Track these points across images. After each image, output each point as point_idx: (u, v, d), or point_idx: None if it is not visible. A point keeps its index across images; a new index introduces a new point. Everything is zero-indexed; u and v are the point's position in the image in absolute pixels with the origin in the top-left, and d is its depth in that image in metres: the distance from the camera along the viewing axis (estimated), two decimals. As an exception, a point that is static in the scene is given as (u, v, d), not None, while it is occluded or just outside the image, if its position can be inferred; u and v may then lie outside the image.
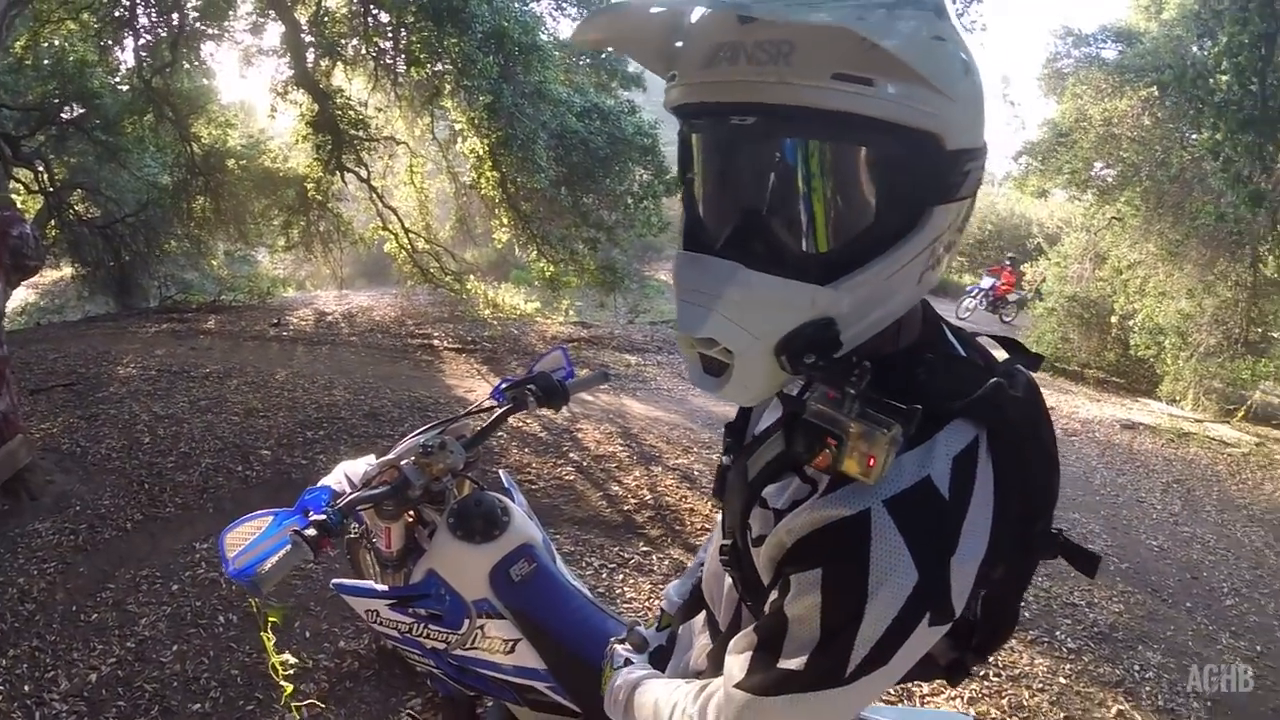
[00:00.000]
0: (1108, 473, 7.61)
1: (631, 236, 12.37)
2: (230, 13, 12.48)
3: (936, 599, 0.90)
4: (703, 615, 1.46)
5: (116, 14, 11.95)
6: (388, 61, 11.84)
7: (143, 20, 12.09)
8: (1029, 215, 24.47)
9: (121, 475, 5.27)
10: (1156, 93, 11.61)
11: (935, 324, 1.11)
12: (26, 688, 3.36)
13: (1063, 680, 3.89)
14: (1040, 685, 3.82)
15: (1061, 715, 3.64)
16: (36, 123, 12.37)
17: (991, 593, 1.09)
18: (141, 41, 12.19)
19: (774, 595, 0.99)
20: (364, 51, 11.87)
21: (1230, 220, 9.63)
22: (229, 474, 5.39)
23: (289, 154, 13.78)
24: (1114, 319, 13.00)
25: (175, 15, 12.01)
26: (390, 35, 11.53)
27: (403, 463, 2.03)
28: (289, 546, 1.69)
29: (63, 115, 12.68)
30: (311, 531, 1.72)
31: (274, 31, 12.53)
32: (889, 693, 3.53)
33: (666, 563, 4.61)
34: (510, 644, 2.03)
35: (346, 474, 2.37)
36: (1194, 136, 11.11)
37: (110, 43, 12.41)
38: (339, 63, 11.93)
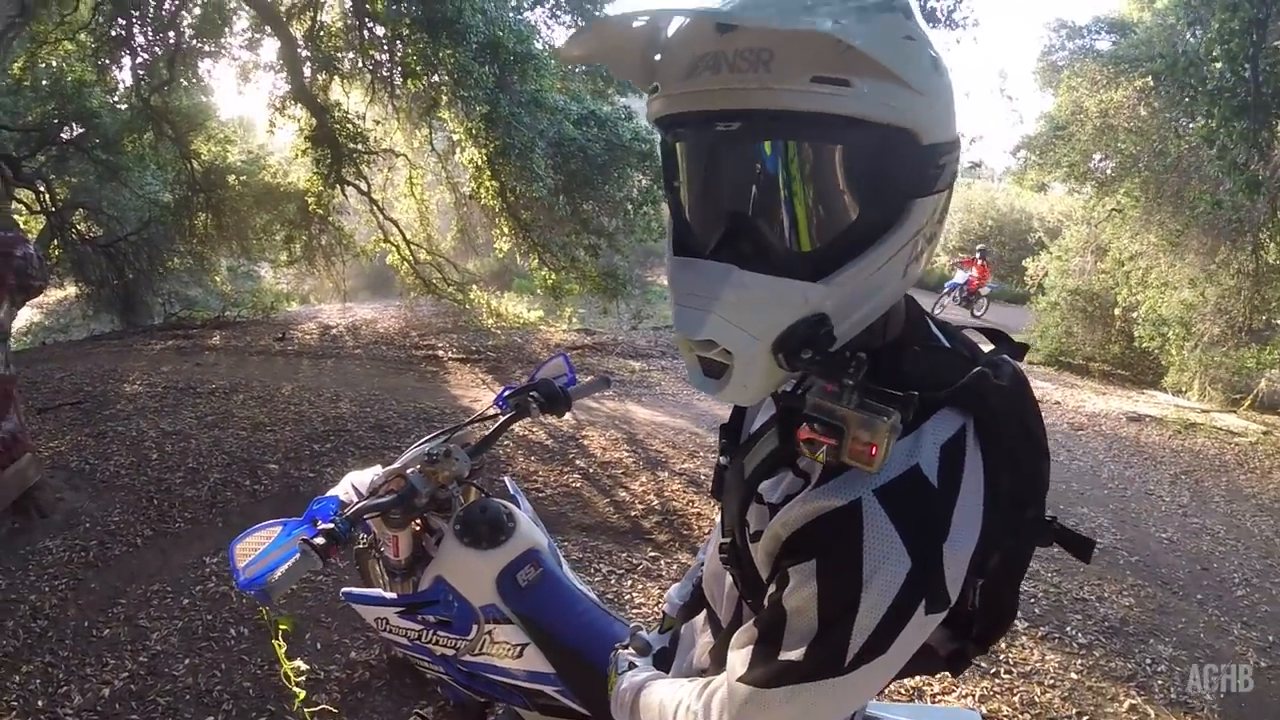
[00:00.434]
0: (1115, 466, 7.59)
1: (632, 242, 12.38)
2: (226, 30, 12.58)
3: (931, 586, 0.92)
4: (704, 615, 1.48)
5: (113, 34, 12.00)
6: (384, 74, 11.88)
7: (139, 39, 12.16)
8: (1029, 210, 24.41)
9: (130, 491, 5.30)
10: (1151, 82, 11.58)
11: (919, 318, 1.13)
12: (40, 703, 3.39)
13: (1074, 676, 3.88)
14: (1051, 681, 3.81)
15: (1073, 711, 3.63)
16: (37, 143, 12.45)
17: (989, 582, 1.11)
18: (139, 60, 12.27)
19: (772, 589, 1.00)
20: (360, 65, 11.91)
21: (1229, 208, 9.59)
22: (237, 488, 5.41)
23: (289, 169, 13.82)
24: (1117, 311, 12.96)
25: (171, 33, 12.08)
26: (386, 48, 11.55)
27: (409, 471, 2.04)
28: (298, 555, 1.71)
29: (62, 135, 12.78)
30: (320, 540, 1.75)
31: (270, 47, 12.59)
32: (899, 691, 3.53)
33: (675, 567, 4.62)
34: (518, 649, 2.04)
35: (354, 484, 2.39)
36: (1189, 125, 11.07)
37: (107, 62, 12.46)
38: (336, 77, 11.98)
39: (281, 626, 2.64)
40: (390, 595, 2.20)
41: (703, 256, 0.97)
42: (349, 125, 11.96)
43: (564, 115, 11.09)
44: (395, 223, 12.70)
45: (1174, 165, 11.35)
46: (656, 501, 5.39)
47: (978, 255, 17.40)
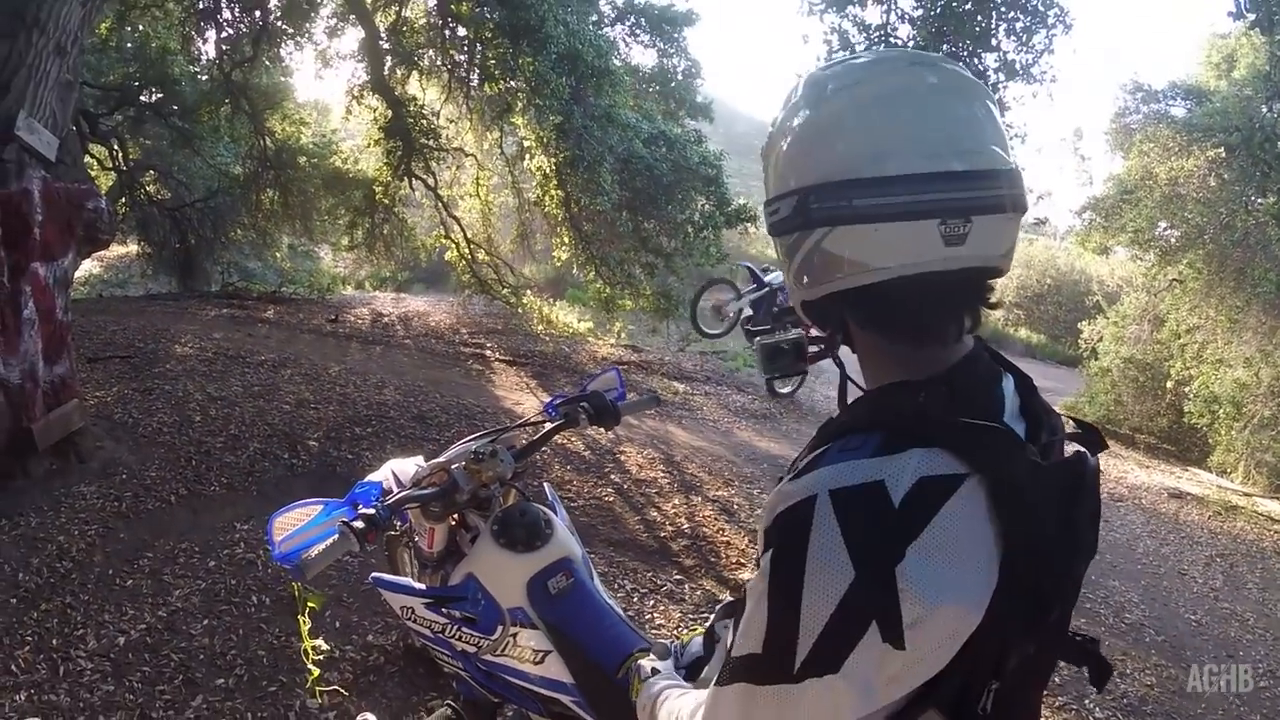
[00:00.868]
0: (1151, 541, 7.45)
1: (689, 265, 12.42)
2: (312, 14, 12.81)
3: (881, 608, 0.90)
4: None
5: (201, 6, 12.35)
6: (462, 74, 12.10)
7: (226, 14, 12.48)
8: (1089, 271, 23.88)
9: (170, 450, 5.43)
10: (1224, 154, 11.38)
11: (983, 371, 1.13)
12: (55, 642, 3.48)
13: (1088, 750, 3.82)
14: (1067, 752, 3.76)
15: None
16: (116, 103, 12.76)
17: (1004, 687, 1.05)
18: (224, 34, 12.57)
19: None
20: (440, 63, 12.15)
21: (1292, 289, 9.40)
22: (275, 460, 5.52)
23: (359, 156, 14.03)
24: (1169, 384, 12.66)
25: (258, 12, 12.35)
26: (466, 49, 11.78)
27: (453, 466, 2.09)
28: (336, 536, 1.77)
29: (141, 98, 13.09)
30: (360, 524, 1.80)
31: (352, 36, 12.84)
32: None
33: (699, 593, 4.62)
34: (540, 655, 2.05)
35: (394, 471, 2.43)
36: (1259, 201, 10.88)
37: (192, 33, 12.79)
38: (415, 72, 12.23)
39: (310, 604, 2.70)
40: (420, 585, 2.23)
41: None
42: (423, 120, 12.17)
43: (634, 133, 11.18)
44: (458, 220, 12.84)
45: (1240, 240, 11.10)
46: (687, 525, 5.40)
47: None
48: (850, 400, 1.17)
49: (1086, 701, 4.21)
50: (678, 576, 4.77)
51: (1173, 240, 13.03)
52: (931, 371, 1.07)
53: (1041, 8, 9.60)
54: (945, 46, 9.43)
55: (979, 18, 9.45)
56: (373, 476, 2.44)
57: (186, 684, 3.34)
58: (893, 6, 9.79)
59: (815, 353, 1.31)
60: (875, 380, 1.13)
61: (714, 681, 1.04)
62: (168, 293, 13.67)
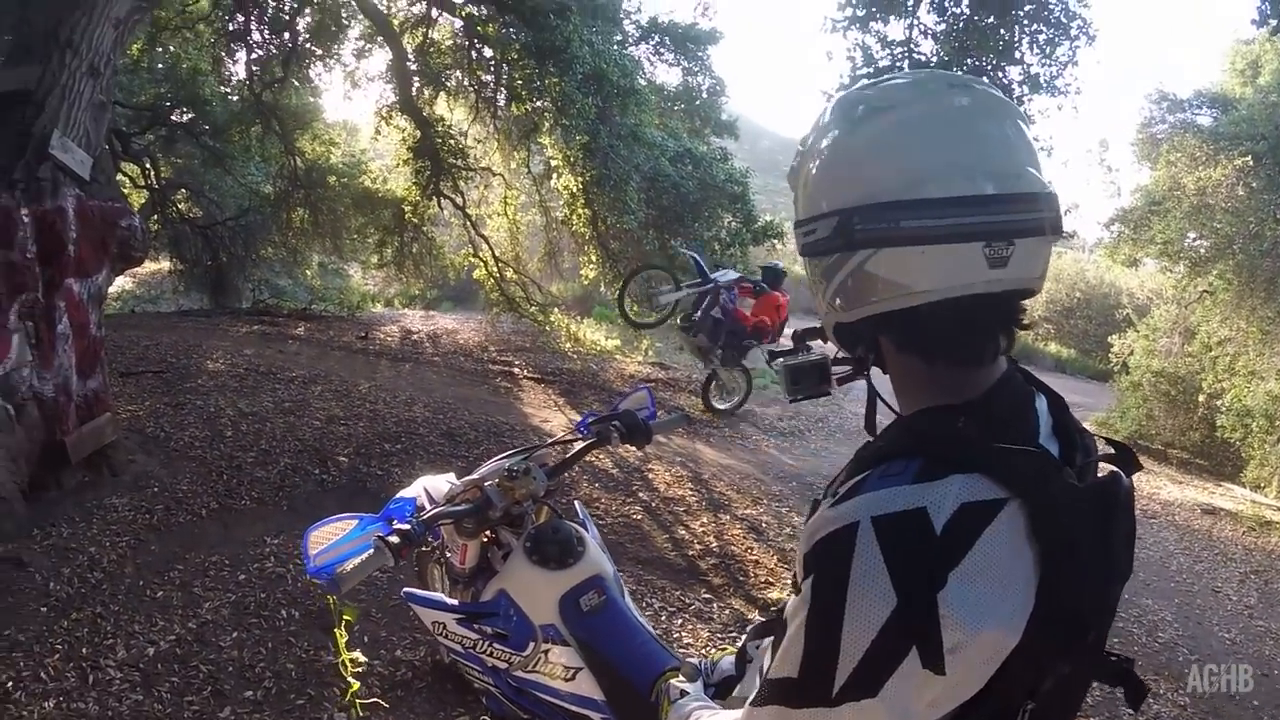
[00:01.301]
0: (1185, 559, 7.35)
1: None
2: (340, 36, 13.08)
3: (922, 634, 0.91)
4: (771, 638, 1.50)
5: (231, 28, 12.61)
6: (489, 95, 12.20)
7: (256, 36, 12.72)
8: (1119, 284, 23.62)
9: (202, 464, 5.51)
10: (1251, 162, 11.27)
11: (1018, 393, 1.14)
12: (84, 650, 3.52)
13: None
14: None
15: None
16: (147, 122, 13.06)
17: (1039, 708, 1.06)
18: (254, 56, 12.85)
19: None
20: (467, 83, 12.26)
21: (1323, 299, 9.27)
22: (306, 475, 5.59)
23: (388, 176, 14.21)
24: (1201, 398, 12.53)
25: (287, 34, 12.60)
26: (493, 70, 11.88)
27: (486, 484, 2.12)
28: (371, 551, 1.81)
29: (173, 118, 13.39)
30: (395, 539, 1.84)
31: (380, 58, 13.09)
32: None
33: (727, 612, 4.60)
34: (571, 672, 2.07)
35: (426, 488, 2.47)
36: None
37: (223, 54, 13.09)
38: (442, 92, 12.39)
39: (345, 617, 2.72)
40: (452, 601, 2.26)
41: None
42: (451, 140, 12.31)
43: (660, 151, 11.22)
44: (486, 239, 12.94)
45: (1270, 250, 10.96)
46: (715, 544, 5.38)
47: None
48: (875, 421, 1.19)
49: (1119, 722, 4.16)
50: (706, 595, 4.76)
51: (1202, 251, 12.88)
52: (968, 394, 1.08)
53: (1064, 19, 9.57)
54: (969, 61, 9.42)
55: (1001, 31, 9.42)
56: (405, 492, 2.48)
57: (215, 695, 3.37)
58: (915, 22, 9.79)
59: (844, 374, 1.31)
60: (911, 403, 1.14)
61: (748, 702, 1.05)
62: (199, 309, 13.87)
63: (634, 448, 2.39)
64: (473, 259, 13.21)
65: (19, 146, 4.58)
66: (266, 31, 12.68)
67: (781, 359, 1.47)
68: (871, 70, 10.05)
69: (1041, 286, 1.08)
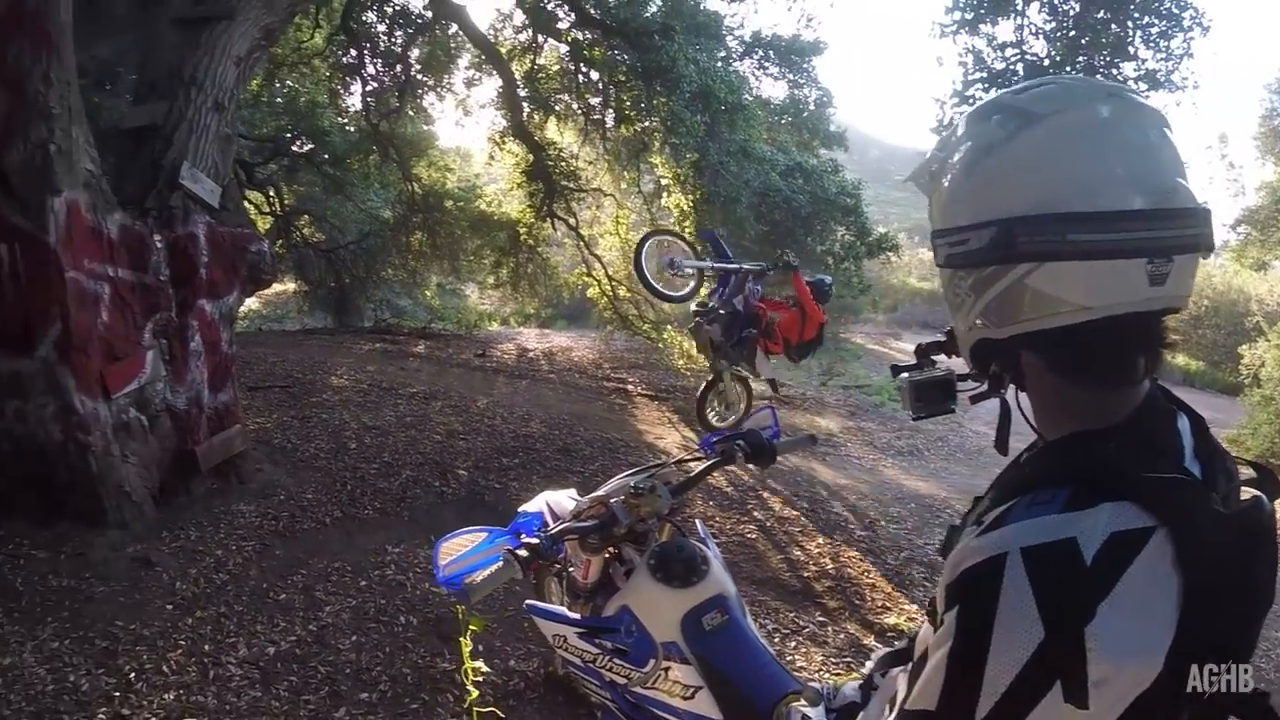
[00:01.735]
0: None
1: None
2: (451, 66, 13.58)
3: (1068, 667, 0.88)
4: (900, 668, 1.47)
5: (345, 61, 13.27)
6: (597, 117, 12.41)
7: (370, 69, 13.33)
8: (1247, 290, 21.87)
9: (326, 474, 5.74)
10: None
11: (1163, 415, 1.10)
12: (206, 647, 3.68)
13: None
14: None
15: None
16: (270, 153, 13.81)
17: None
18: (369, 88, 13.47)
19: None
20: (575, 107, 12.50)
21: None
22: (426, 488, 5.74)
23: (503, 199, 14.57)
24: (1345, 414, 11.75)
25: (399, 66, 13.14)
26: (600, 92, 12.08)
27: (612, 500, 2.13)
28: (500, 563, 1.85)
29: (294, 148, 14.08)
30: (524, 553, 1.88)
31: (489, 85, 13.59)
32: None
33: (842, 636, 4.50)
34: (691, 690, 2.05)
35: (549, 503, 2.51)
36: None
37: (339, 87, 13.80)
38: (551, 116, 12.68)
39: (472, 627, 2.78)
40: (574, 615, 2.27)
41: None
42: (563, 163, 12.56)
43: (770, 166, 11.17)
44: (599, 258, 13.09)
45: None
46: (831, 566, 5.28)
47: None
48: (1008, 441, 1.16)
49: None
50: (820, 618, 4.67)
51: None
52: (1115, 417, 1.04)
53: (1176, 10, 9.23)
54: (1081, 59, 9.17)
55: (1113, 26, 9.12)
56: (528, 507, 2.51)
57: (331, 696, 3.47)
58: (1025, 22, 9.57)
59: (976, 392, 1.27)
60: (1055, 426, 1.10)
61: None
62: (323, 327, 14.54)
63: (759, 468, 2.37)
64: (586, 278, 13.38)
65: (151, 177, 4.95)
66: (379, 64, 13.29)
67: (905, 374, 1.43)
68: (985, 74, 9.86)
69: (1187, 305, 1.04)
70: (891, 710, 1.14)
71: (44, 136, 4.16)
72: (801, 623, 4.57)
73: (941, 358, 1.40)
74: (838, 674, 3.90)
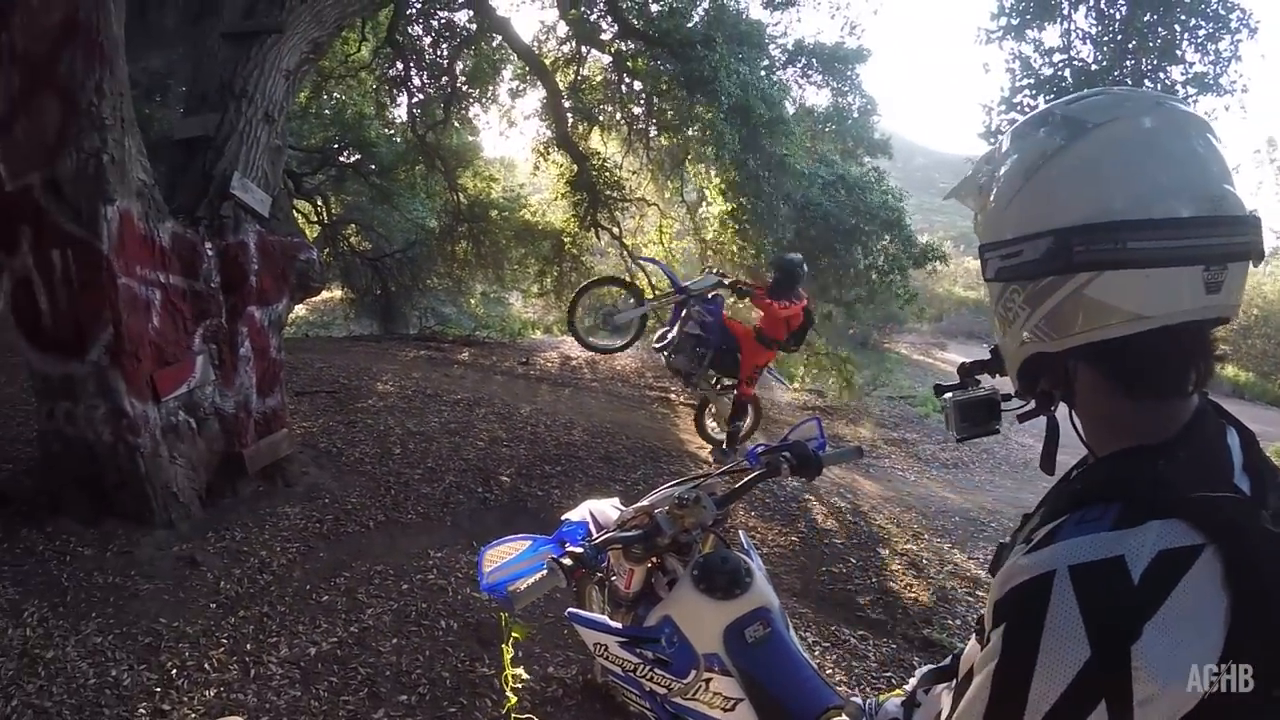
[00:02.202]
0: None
1: (872, 310, 12.20)
2: (495, 78, 13.69)
3: (1113, 687, 0.87)
4: (944, 685, 1.46)
5: (392, 74, 13.44)
6: (640, 127, 12.50)
7: (416, 81, 13.51)
8: None
9: (371, 479, 5.80)
10: None
11: (1212, 429, 1.09)
12: (249, 646, 3.75)
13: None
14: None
15: None
16: (318, 164, 14.09)
17: None
18: (415, 100, 13.64)
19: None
20: (618, 117, 12.58)
21: None
22: (469, 493, 5.80)
23: (547, 209, 14.69)
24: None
25: (445, 78, 13.27)
26: (643, 102, 12.17)
27: (656, 511, 2.13)
28: (544, 571, 1.86)
29: (341, 159, 14.33)
30: (568, 561, 1.89)
31: (533, 96, 13.73)
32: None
33: (884, 650, 4.46)
34: (732, 703, 2.04)
35: (592, 511, 2.51)
36: None
37: (385, 99, 13.99)
38: (595, 127, 12.76)
39: (514, 634, 2.80)
40: (616, 624, 2.27)
41: None
42: (607, 173, 12.64)
43: (809, 181, 11.12)
44: (643, 267, 13.12)
45: None
46: (873, 579, 5.24)
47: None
48: (1055, 458, 1.16)
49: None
50: (862, 632, 4.63)
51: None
52: (1166, 432, 1.03)
53: (1223, 11, 9.07)
54: (1129, 62, 9.04)
55: (1160, 30, 9.00)
56: (572, 515, 2.53)
57: (371, 697, 3.51)
58: (1072, 27, 9.47)
59: (1024, 410, 1.25)
60: (1106, 442, 1.09)
61: None
62: (369, 334, 14.70)
63: (804, 480, 2.36)
64: (630, 287, 13.37)
65: (202, 187, 5.06)
66: (425, 76, 13.46)
67: (949, 395, 1.42)
68: (1032, 80, 9.77)
69: (1238, 315, 1.03)
70: None
71: (97, 146, 4.27)
72: (842, 636, 4.55)
73: (985, 377, 1.40)
74: (880, 689, 3.87)
